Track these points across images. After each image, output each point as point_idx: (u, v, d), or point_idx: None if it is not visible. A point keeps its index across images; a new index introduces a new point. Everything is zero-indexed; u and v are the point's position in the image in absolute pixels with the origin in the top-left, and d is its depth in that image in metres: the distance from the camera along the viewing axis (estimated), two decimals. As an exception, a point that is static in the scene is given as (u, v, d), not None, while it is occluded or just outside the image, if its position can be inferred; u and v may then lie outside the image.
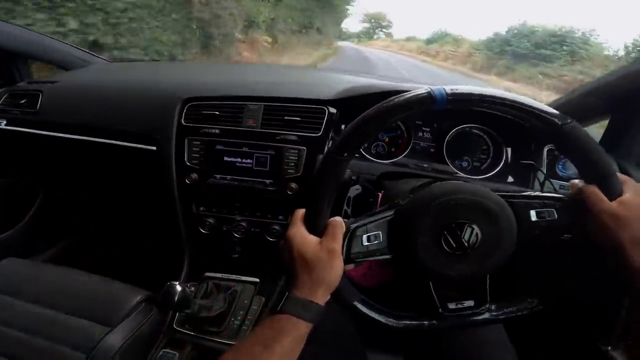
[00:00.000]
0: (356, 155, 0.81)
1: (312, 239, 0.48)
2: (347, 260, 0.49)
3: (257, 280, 0.84)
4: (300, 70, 1.45)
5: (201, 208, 0.85)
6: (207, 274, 0.85)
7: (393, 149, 0.86)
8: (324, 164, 0.48)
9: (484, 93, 0.45)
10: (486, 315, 0.52)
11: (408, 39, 62.38)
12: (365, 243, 0.49)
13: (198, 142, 0.82)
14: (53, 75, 1.18)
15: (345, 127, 0.48)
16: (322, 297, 0.46)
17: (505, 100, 0.44)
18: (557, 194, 0.51)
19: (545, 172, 0.80)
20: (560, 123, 0.44)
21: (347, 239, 0.48)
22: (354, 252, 0.49)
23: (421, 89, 0.45)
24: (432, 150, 0.85)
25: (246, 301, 0.80)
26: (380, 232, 0.49)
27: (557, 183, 0.80)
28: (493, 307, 0.53)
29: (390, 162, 0.83)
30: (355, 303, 0.52)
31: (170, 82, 0.96)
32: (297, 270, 0.47)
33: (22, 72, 1.14)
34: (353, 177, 0.75)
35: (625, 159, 0.81)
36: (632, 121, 0.82)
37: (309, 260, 0.46)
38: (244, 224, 0.83)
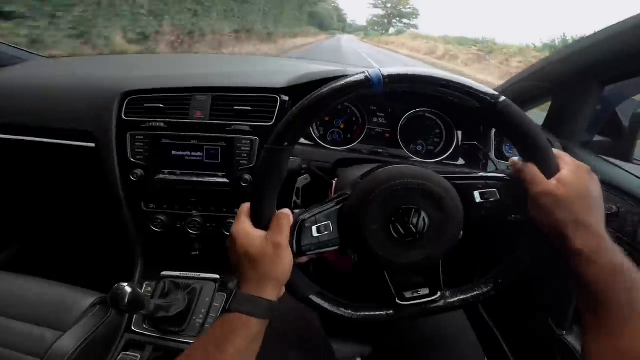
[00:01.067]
0: (308, 143, 0.81)
1: (257, 233, 0.45)
2: (298, 253, 0.47)
3: (218, 277, 0.83)
4: (253, 60, 1.38)
5: (151, 205, 0.82)
6: (164, 272, 0.83)
7: (349, 136, 0.85)
8: (264, 156, 0.45)
9: (418, 73, 0.43)
10: (440, 303, 0.51)
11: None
12: (316, 234, 0.47)
13: (142, 137, 0.77)
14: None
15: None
16: (272, 293, 0.45)
17: (441, 80, 0.43)
18: (500, 173, 0.50)
19: (492, 153, 0.82)
20: (493, 101, 0.43)
21: (296, 231, 0.47)
22: (304, 244, 0.47)
23: (359, 73, 0.43)
24: (387, 135, 0.85)
25: (207, 299, 0.79)
26: (330, 223, 0.48)
27: (505, 164, 0.83)
28: (448, 293, 0.52)
29: (346, 149, 0.82)
30: (311, 296, 0.50)
31: (109, 76, 0.89)
32: (244, 266, 0.45)
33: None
34: (304, 166, 0.73)
35: (569, 140, 0.84)
36: (572, 103, 0.85)
37: (254, 256, 0.44)
38: (198, 219, 0.81)
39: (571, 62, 0.81)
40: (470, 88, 0.43)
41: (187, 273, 0.83)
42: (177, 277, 0.82)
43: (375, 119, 0.85)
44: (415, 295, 0.51)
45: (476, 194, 0.49)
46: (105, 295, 0.75)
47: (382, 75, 0.42)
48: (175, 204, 0.81)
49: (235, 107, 0.76)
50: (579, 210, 0.41)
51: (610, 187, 0.74)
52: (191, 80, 0.81)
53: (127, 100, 0.79)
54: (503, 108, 0.43)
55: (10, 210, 1.14)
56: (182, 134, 0.76)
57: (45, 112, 0.86)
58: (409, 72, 0.43)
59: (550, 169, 0.44)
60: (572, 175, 0.43)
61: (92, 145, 0.80)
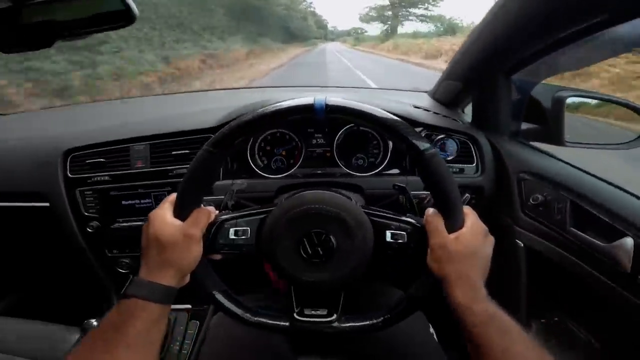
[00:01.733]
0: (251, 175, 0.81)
1: (173, 221, 0.48)
2: (210, 249, 0.51)
3: (189, 306, 0.89)
4: (190, 98, 1.36)
5: (114, 251, 0.86)
6: None
7: (291, 161, 0.88)
8: (199, 155, 0.49)
9: (358, 108, 0.48)
10: (334, 325, 0.53)
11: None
12: (232, 237, 0.51)
13: (90, 192, 0.81)
14: None
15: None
16: (172, 279, 0.46)
17: (379, 120, 0.47)
18: (414, 219, 0.53)
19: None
20: (421, 149, 0.47)
21: (213, 229, 0.51)
22: (219, 242, 0.51)
23: (304, 98, 0.48)
24: (327, 154, 0.87)
25: (182, 327, 0.86)
26: (249, 229, 0.52)
27: None
28: (343, 318, 0.53)
29: (285, 176, 0.85)
30: (214, 292, 0.53)
31: (51, 134, 0.92)
32: (150, 250, 0.47)
33: None
34: (231, 202, 0.71)
35: (497, 132, 0.88)
36: (487, 96, 0.87)
37: (164, 241, 0.46)
38: None
39: (472, 56, 0.82)
40: (406, 135, 0.47)
41: None
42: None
43: (314, 141, 0.87)
44: (313, 313, 0.53)
45: (388, 232, 0.52)
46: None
47: (326, 104, 0.47)
48: (136, 247, 0.85)
49: (174, 152, 0.80)
50: (465, 265, 0.46)
51: (540, 177, 0.77)
52: (128, 131, 0.84)
53: (69, 158, 0.81)
54: (429, 159, 0.47)
55: None
56: (127, 184, 0.80)
57: None
58: (351, 106, 0.48)
59: (454, 225, 0.48)
60: (469, 235, 0.47)
61: (47, 204, 0.83)
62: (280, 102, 0.49)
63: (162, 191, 0.81)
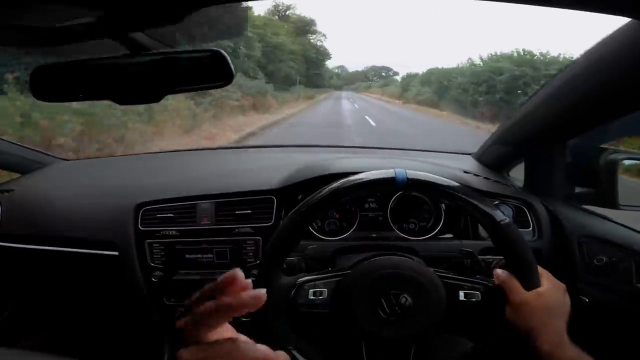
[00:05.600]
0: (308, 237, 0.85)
1: None
2: (290, 309, 0.55)
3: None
4: (249, 155, 1.49)
5: (172, 299, 0.89)
6: None
7: (344, 224, 0.90)
8: (283, 223, 0.56)
9: (439, 182, 0.54)
10: None
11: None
12: (311, 297, 0.56)
13: (158, 244, 0.86)
14: (8, 181, 1.18)
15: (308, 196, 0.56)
16: None
17: (455, 194, 0.54)
18: (485, 280, 0.59)
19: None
20: (498, 220, 0.53)
21: (294, 290, 0.56)
22: (299, 302, 0.56)
23: (385, 171, 0.55)
24: (380, 218, 0.90)
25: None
26: (326, 290, 0.56)
27: None
28: None
29: (341, 239, 0.87)
30: (290, 348, 0.54)
31: (124, 185, 1.00)
32: None
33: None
34: (301, 265, 0.76)
35: (549, 196, 0.88)
36: (541, 161, 0.89)
37: None
38: None
39: (529, 124, 0.85)
40: (480, 207, 0.54)
41: None
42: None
43: (367, 205, 0.91)
44: None
45: (461, 292, 0.57)
46: None
47: (407, 178, 0.54)
48: None
49: (237, 212, 0.85)
50: (549, 317, 0.52)
51: (601, 240, 0.78)
52: (195, 187, 0.91)
53: (141, 211, 0.88)
54: (505, 229, 0.53)
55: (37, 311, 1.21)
56: (192, 239, 0.85)
57: (68, 223, 0.95)
58: (431, 180, 0.55)
59: (531, 283, 0.53)
60: (552, 291, 0.54)
61: (116, 253, 0.89)
62: (358, 173, 0.56)
63: (223, 247, 0.85)
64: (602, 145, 0.88)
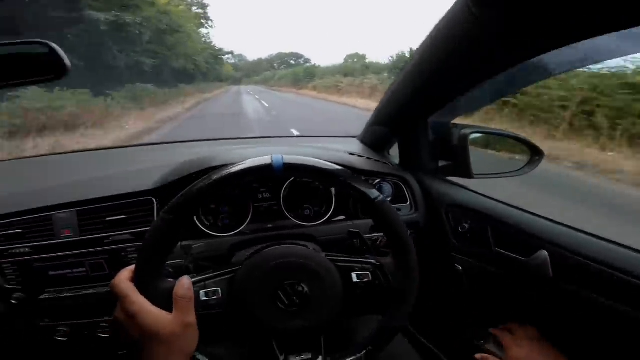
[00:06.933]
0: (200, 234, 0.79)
1: (162, 314, 0.47)
2: None
3: None
4: (118, 154, 1.28)
5: (46, 320, 0.75)
6: None
7: (238, 218, 0.85)
8: (153, 225, 0.49)
9: (317, 166, 0.53)
10: None
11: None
12: (203, 298, 0.52)
13: (9, 264, 0.71)
14: None
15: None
16: None
17: (333, 174, 0.54)
18: (372, 259, 0.59)
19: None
20: (372, 198, 0.54)
21: None
22: None
23: (261, 158, 0.50)
24: (275, 208, 0.88)
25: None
26: (219, 289, 0.53)
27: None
28: (328, 358, 0.57)
29: (236, 233, 0.83)
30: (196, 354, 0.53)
31: None
32: (151, 347, 0.46)
33: None
34: (189, 265, 0.71)
35: (420, 172, 0.99)
36: (411, 139, 0.99)
37: (164, 337, 0.46)
38: (105, 324, 0.76)
39: (397, 104, 0.92)
40: (355, 186, 0.54)
41: None
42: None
43: (260, 196, 0.87)
44: (299, 358, 0.56)
45: (353, 274, 0.58)
46: None
47: (284, 163, 0.51)
48: (73, 316, 0.75)
49: (108, 219, 0.74)
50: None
51: (462, 209, 0.88)
52: (50, 196, 0.75)
53: None
54: (380, 206, 0.55)
55: None
56: (53, 255, 0.71)
57: None
58: (309, 163, 0.53)
59: (405, 255, 0.56)
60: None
61: None
62: (234, 164, 0.51)
63: (97, 259, 0.73)
64: (453, 122, 1.00)
